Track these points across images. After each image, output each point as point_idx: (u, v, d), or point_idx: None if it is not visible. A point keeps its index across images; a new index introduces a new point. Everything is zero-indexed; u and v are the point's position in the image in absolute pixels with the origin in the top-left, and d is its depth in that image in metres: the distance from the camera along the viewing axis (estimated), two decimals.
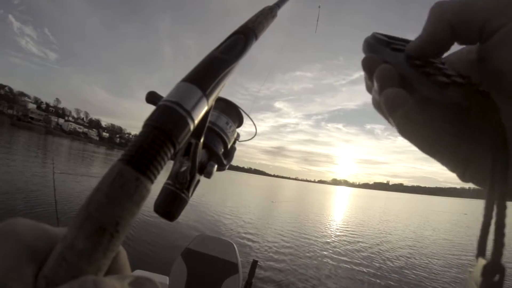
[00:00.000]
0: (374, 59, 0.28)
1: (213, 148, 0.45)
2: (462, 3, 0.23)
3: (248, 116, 0.54)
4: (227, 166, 0.48)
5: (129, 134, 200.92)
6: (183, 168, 0.37)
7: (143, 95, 0.44)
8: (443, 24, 0.24)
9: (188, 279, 2.16)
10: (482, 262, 0.19)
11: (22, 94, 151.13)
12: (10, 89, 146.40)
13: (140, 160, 0.18)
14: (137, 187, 0.17)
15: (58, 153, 30.36)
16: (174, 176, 0.38)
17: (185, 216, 10.94)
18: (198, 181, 0.41)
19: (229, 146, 0.49)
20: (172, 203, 0.39)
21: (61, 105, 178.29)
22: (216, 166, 0.44)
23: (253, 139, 0.64)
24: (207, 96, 0.24)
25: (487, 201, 0.20)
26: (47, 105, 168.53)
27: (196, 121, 0.22)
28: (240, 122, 0.52)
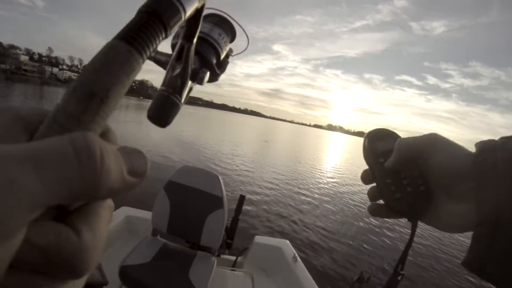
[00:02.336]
0: (368, 175, 0.45)
1: (206, 56, 0.44)
2: (408, 141, 0.41)
3: (241, 26, 0.52)
4: (219, 77, 0.48)
5: None
6: (176, 72, 0.38)
7: None
8: (401, 156, 0.41)
9: (171, 213, 2.10)
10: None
11: (12, 47, 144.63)
12: (0, 43, 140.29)
13: (131, 35, 0.19)
14: (128, 59, 0.18)
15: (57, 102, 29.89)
16: (168, 82, 0.39)
17: (175, 152, 11.18)
18: (191, 88, 0.42)
19: (222, 57, 0.48)
20: (164, 107, 0.39)
21: (53, 54, 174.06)
22: (208, 73, 0.43)
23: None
24: None
25: (411, 233, 0.41)
26: (40, 55, 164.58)
27: (188, 13, 0.24)
28: (233, 37, 0.51)
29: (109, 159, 0.15)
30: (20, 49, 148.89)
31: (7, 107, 0.17)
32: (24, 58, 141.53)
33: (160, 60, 0.41)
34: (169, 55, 0.40)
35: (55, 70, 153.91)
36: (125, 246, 2.31)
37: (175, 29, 0.22)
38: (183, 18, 0.23)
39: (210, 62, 0.45)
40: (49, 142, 0.14)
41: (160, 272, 1.75)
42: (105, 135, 0.20)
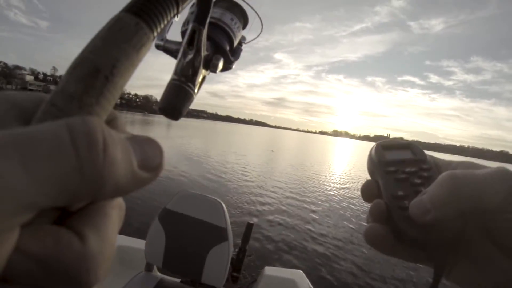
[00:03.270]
0: (371, 187, 0.33)
1: (219, 41, 0.42)
2: (477, 179, 0.25)
3: (253, 9, 0.48)
4: (233, 64, 0.45)
5: (129, 94, 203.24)
6: (188, 59, 0.36)
7: None
8: (461, 201, 0.25)
9: (167, 246, 1.83)
10: None
11: (17, 67, 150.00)
12: (5, 64, 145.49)
13: (139, 7, 0.17)
14: (136, 32, 0.16)
15: None
16: (179, 70, 0.37)
17: (176, 170, 10.42)
18: (204, 77, 0.40)
19: (235, 44, 0.46)
20: (176, 97, 0.36)
21: (58, 73, 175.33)
22: (222, 59, 0.41)
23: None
24: None
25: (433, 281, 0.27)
26: (45, 75, 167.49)
27: None
28: (245, 23, 0.48)
29: (115, 148, 0.12)
30: (25, 70, 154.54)
31: (1, 93, 0.15)
32: (29, 78, 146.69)
33: (170, 48, 0.39)
34: (180, 43, 0.37)
35: None
36: (116, 283, 2.04)
37: (187, 5, 0.20)
38: None
39: (224, 48, 0.43)
40: (41, 128, 0.12)
41: None
42: (112, 122, 0.17)
